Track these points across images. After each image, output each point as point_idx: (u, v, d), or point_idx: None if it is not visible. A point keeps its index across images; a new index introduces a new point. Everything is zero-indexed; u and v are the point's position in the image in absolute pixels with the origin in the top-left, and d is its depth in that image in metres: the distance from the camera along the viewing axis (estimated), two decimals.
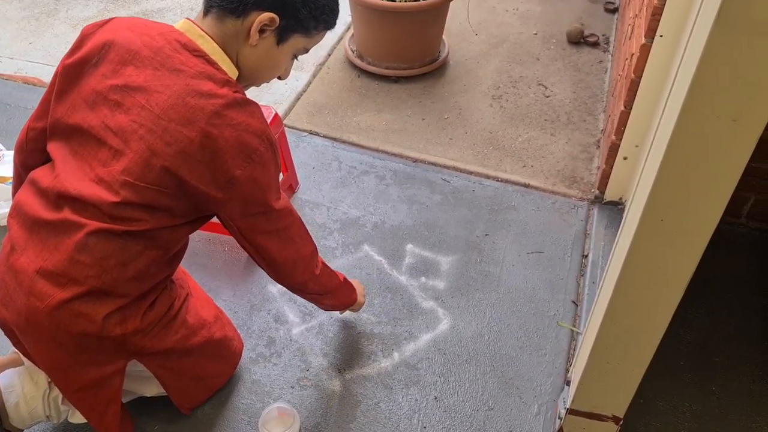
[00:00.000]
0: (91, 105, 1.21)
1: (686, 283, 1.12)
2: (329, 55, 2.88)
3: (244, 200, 1.23)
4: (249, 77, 1.30)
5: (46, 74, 2.75)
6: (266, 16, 1.19)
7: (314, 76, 2.76)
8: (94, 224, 1.18)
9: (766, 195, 2.03)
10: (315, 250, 1.44)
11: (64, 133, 1.25)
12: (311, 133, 2.47)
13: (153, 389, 1.53)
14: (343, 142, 2.44)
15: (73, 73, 1.25)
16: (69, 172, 1.21)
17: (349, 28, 3.01)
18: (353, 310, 1.73)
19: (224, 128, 1.16)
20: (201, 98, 1.16)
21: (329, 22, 1.29)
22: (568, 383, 1.63)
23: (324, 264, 1.49)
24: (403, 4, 2.50)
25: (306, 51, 1.31)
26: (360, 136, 2.46)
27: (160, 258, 1.28)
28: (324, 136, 2.46)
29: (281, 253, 1.34)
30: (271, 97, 2.63)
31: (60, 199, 1.21)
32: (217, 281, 1.94)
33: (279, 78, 1.34)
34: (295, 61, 1.34)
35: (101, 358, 1.30)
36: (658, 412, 1.66)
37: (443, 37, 2.83)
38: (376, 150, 2.40)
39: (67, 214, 1.19)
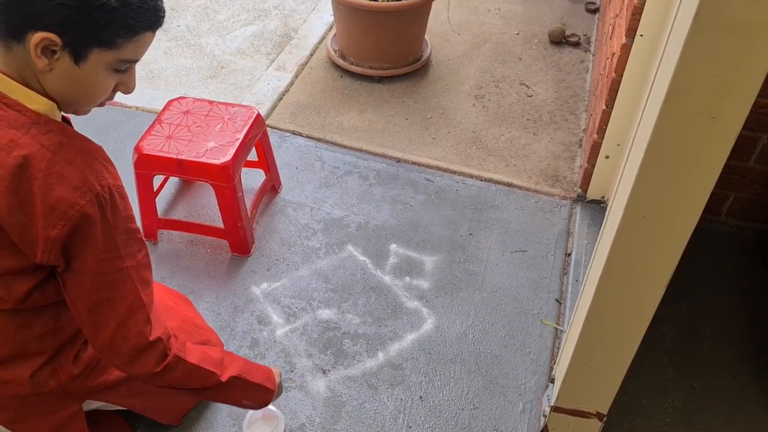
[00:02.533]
0: None
1: (668, 280, 1.13)
2: (311, 55, 2.87)
3: (70, 261, 1.07)
4: (69, 104, 1.07)
5: None
6: (38, 36, 0.95)
7: (296, 76, 2.75)
8: None
9: (745, 193, 2.06)
10: (158, 341, 1.15)
11: None
12: (294, 134, 2.46)
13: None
14: (326, 142, 2.43)
15: None
16: None
17: (331, 28, 3.00)
18: (259, 407, 1.44)
19: (33, 181, 0.99)
20: (1, 152, 0.99)
21: (135, 25, 1.00)
22: (552, 381, 1.64)
23: (182, 360, 1.19)
24: (385, 4, 2.50)
25: (129, 62, 1.05)
26: (343, 136, 2.45)
27: (63, 310, 1.17)
28: (307, 137, 2.45)
29: (105, 325, 1.11)
30: (253, 97, 2.62)
31: None
32: (200, 283, 1.92)
33: (123, 92, 1.11)
34: (126, 72, 1.07)
35: (50, 408, 1.27)
36: (641, 408, 1.67)
37: (425, 37, 2.83)
38: (360, 150, 2.40)
39: None
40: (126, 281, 1.10)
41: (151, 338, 1.14)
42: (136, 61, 1.06)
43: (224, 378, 1.27)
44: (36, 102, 1.03)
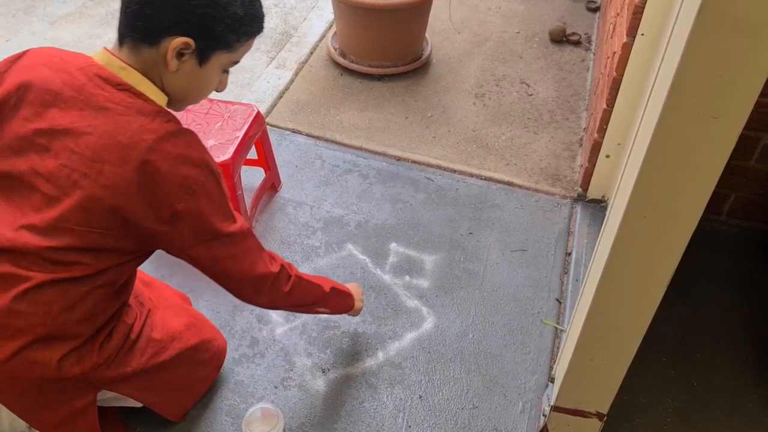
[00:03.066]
0: (17, 150, 1.15)
1: (668, 280, 1.12)
2: (312, 53, 2.87)
3: (192, 231, 1.19)
4: (180, 101, 1.24)
5: None
6: (179, 41, 1.11)
7: (297, 74, 2.75)
8: (35, 275, 1.14)
9: (746, 192, 2.06)
10: (282, 269, 1.37)
11: None
12: (294, 132, 2.46)
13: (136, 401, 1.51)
14: (326, 140, 2.43)
15: None
16: (2, 221, 1.15)
17: (331, 26, 2.99)
18: (351, 315, 1.69)
19: (160, 163, 1.12)
20: (133, 135, 1.11)
21: (251, 31, 1.20)
22: (552, 380, 1.64)
23: (298, 277, 1.42)
24: (386, 2, 2.49)
25: (235, 63, 1.24)
26: (343, 135, 2.45)
27: (107, 295, 1.24)
28: (307, 135, 2.45)
29: (240, 276, 1.29)
30: (253, 95, 2.62)
31: None
32: (199, 282, 1.92)
33: (216, 91, 1.28)
34: (228, 73, 1.27)
35: (68, 396, 1.28)
36: (641, 407, 1.67)
37: (426, 35, 2.83)
38: (360, 148, 2.40)
39: (5, 266, 1.14)
40: (245, 235, 1.28)
41: (278, 267, 1.36)
42: (238, 62, 1.24)
43: (327, 289, 1.51)
44: (156, 95, 1.17)
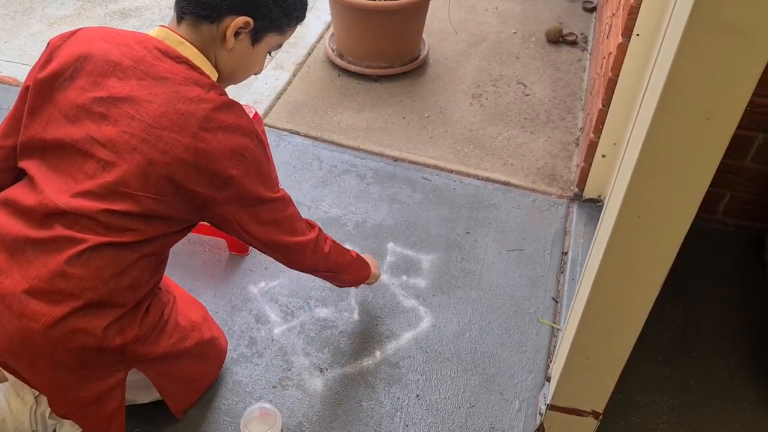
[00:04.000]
0: (71, 119, 1.18)
1: (663, 278, 1.13)
2: (309, 54, 2.88)
3: (243, 197, 1.25)
4: (228, 78, 1.31)
5: (22, 74, 2.71)
6: (241, 20, 1.20)
7: (294, 75, 2.75)
8: (90, 237, 1.16)
9: (741, 192, 2.07)
10: (319, 232, 1.47)
11: (40, 149, 1.21)
12: (291, 132, 2.46)
13: (146, 397, 1.53)
14: (324, 141, 2.43)
15: (46, 87, 1.21)
16: (54, 188, 1.17)
17: (329, 27, 3.00)
18: (368, 284, 1.77)
19: (216, 131, 1.17)
20: (191, 104, 1.17)
21: (300, 16, 1.30)
22: (548, 379, 1.65)
23: (333, 242, 1.52)
24: (383, 3, 2.50)
25: (280, 46, 1.34)
26: (340, 135, 2.46)
27: (151, 266, 1.28)
28: (304, 136, 2.45)
29: (287, 239, 1.36)
30: (251, 96, 2.62)
31: (48, 216, 1.17)
32: (198, 282, 1.93)
33: (255, 74, 1.37)
34: (269, 56, 1.37)
35: (101, 371, 1.28)
36: (637, 406, 1.68)
37: (423, 36, 2.83)
38: (357, 149, 2.40)
39: (58, 230, 1.16)
40: (287, 202, 1.35)
41: (316, 232, 1.45)
42: (281, 46, 1.34)
43: (354, 255, 1.61)
44: (210, 71, 1.25)
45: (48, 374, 1.23)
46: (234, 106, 1.22)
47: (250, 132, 1.22)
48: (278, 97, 2.63)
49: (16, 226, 1.19)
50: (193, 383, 1.59)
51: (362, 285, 1.79)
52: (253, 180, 1.24)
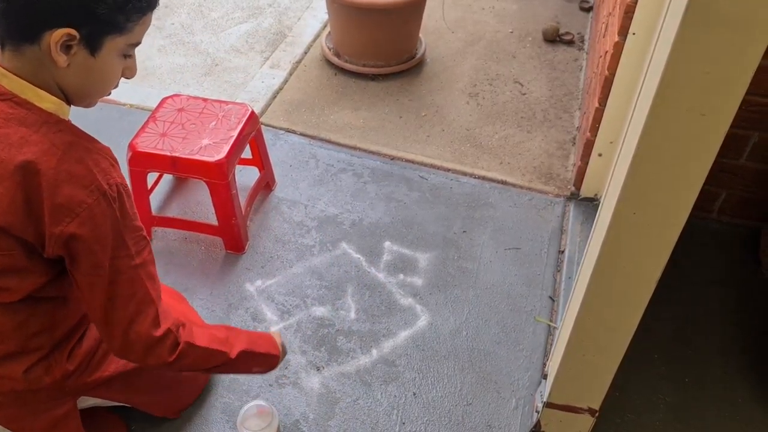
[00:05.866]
0: None
1: (658, 276, 1.13)
2: (306, 52, 2.88)
3: (74, 257, 1.07)
4: (83, 97, 1.10)
5: None
6: (59, 33, 0.97)
7: (291, 74, 2.75)
8: None
9: (736, 190, 2.07)
10: (167, 334, 1.18)
11: None
12: (288, 131, 2.46)
13: None
14: (321, 140, 2.43)
15: None
16: None
17: (325, 25, 3.00)
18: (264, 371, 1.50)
19: (41, 179, 1.00)
20: (11, 149, 1.00)
21: (141, 7, 1.04)
22: (545, 377, 1.65)
23: (189, 345, 1.22)
24: (380, 1, 2.50)
25: (135, 45, 1.09)
26: (337, 134, 2.46)
27: (58, 306, 1.20)
28: (301, 134, 2.45)
29: (114, 321, 1.13)
30: (247, 95, 2.62)
31: None
32: (194, 280, 1.93)
33: (126, 77, 1.13)
34: (132, 57, 1.11)
35: (45, 405, 1.28)
36: (633, 403, 1.68)
37: (420, 34, 2.84)
38: (354, 148, 2.40)
39: None
40: (135, 279, 1.12)
41: (162, 332, 1.16)
42: (139, 43, 1.09)
43: (233, 355, 1.31)
44: (46, 101, 1.04)
45: (0, 413, 1.26)
46: (71, 148, 1.03)
47: (87, 183, 1.02)
48: (275, 96, 2.63)
49: None
50: (175, 390, 1.56)
51: (356, 282, 1.78)
52: (87, 240, 1.05)
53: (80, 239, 1.04)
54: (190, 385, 1.60)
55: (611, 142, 1.99)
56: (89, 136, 1.08)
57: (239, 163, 2.06)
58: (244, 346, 1.34)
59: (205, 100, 2.04)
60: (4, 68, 1.02)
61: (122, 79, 1.13)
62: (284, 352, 1.50)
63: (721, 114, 0.90)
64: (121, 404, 1.50)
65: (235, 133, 1.91)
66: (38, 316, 1.18)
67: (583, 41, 3.00)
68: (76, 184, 1.02)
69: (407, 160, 2.36)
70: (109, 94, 1.13)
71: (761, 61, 0.85)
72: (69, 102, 1.09)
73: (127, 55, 1.09)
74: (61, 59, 1.00)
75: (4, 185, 1.01)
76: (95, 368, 1.31)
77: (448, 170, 2.33)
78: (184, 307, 1.67)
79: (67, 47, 1.00)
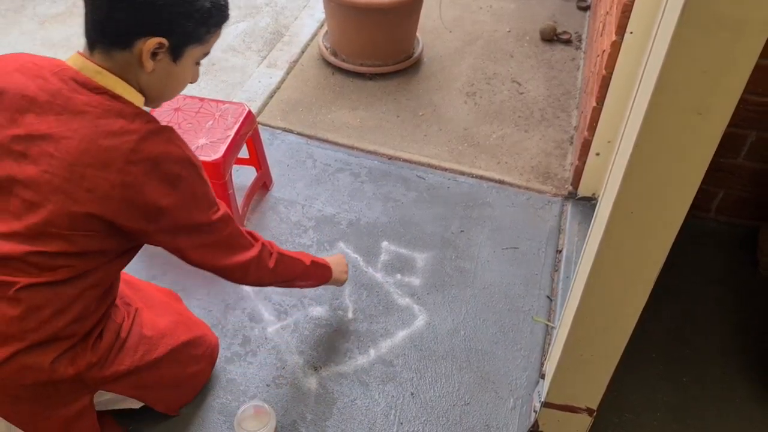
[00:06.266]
0: None
1: (656, 275, 1.13)
2: (303, 52, 2.87)
3: (177, 224, 1.21)
4: (156, 98, 1.25)
5: None
6: (153, 42, 1.11)
7: (288, 73, 2.75)
8: (22, 280, 1.14)
9: (734, 189, 2.07)
10: (263, 247, 1.41)
11: None
12: (285, 131, 2.46)
13: (138, 403, 1.52)
14: (318, 139, 2.43)
15: None
16: None
17: (322, 25, 3.00)
18: (335, 285, 1.74)
19: (143, 163, 1.12)
20: (114, 138, 1.11)
21: (219, 21, 1.20)
22: (543, 377, 1.65)
23: (280, 254, 1.46)
24: (377, 1, 2.50)
25: (207, 54, 1.24)
26: (334, 134, 2.45)
27: (97, 295, 1.25)
28: (298, 134, 2.45)
29: (227, 260, 1.32)
30: (244, 94, 2.61)
31: None
32: (191, 280, 1.92)
33: (191, 82, 1.28)
34: (200, 65, 1.27)
35: (64, 399, 1.28)
36: (630, 403, 1.68)
37: (417, 34, 2.83)
38: (351, 147, 2.40)
39: None
40: (224, 225, 1.29)
41: (258, 248, 1.39)
42: (209, 53, 1.24)
43: (308, 262, 1.55)
44: (134, 97, 1.17)
45: (10, 409, 1.25)
46: (162, 132, 1.16)
47: (180, 158, 1.17)
48: (272, 96, 2.63)
49: None
50: (183, 385, 1.58)
51: (353, 282, 1.78)
52: (187, 207, 1.20)
53: (181, 206, 1.18)
54: (191, 383, 1.61)
55: (609, 142, 1.99)
56: (167, 125, 1.21)
57: (236, 163, 2.05)
58: (311, 257, 1.58)
59: (201, 99, 2.03)
60: (98, 65, 1.14)
61: None
62: (343, 274, 1.72)
63: (718, 113, 0.90)
64: (126, 407, 1.51)
65: (232, 133, 1.90)
66: (78, 303, 1.21)
67: (580, 40, 3.00)
68: (173, 160, 1.15)
69: (405, 160, 2.36)
70: (174, 97, 1.30)
71: (759, 60, 0.85)
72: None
73: (198, 63, 1.24)
74: (149, 65, 1.14)
75: (108, 171, 1.10)
76: (113, 362, 1.33)
77: (446, 170, 2.32)
78: (180, 306, 1.67)
79: (154, 54, 1.13)
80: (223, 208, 1.29)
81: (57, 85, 1.13)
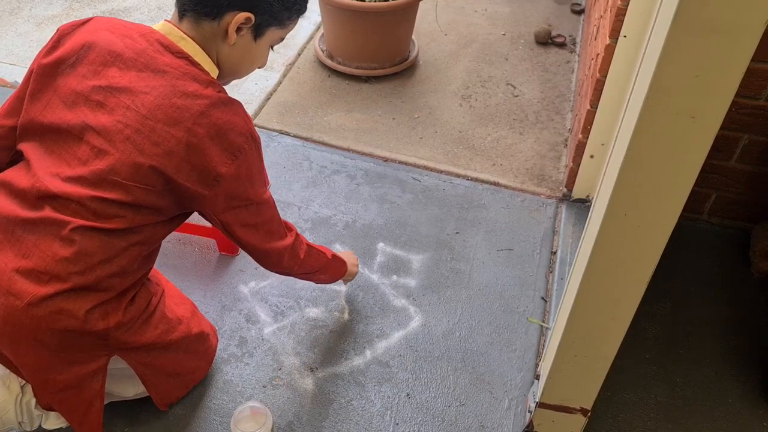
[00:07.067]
0: (69, 105, 1.21)
1: (649, 276, 1.14)
2: (299, 54, 2.88)
3: (230, 195, 1.26)
4: (230, 73, 1.33)
5: (9, 74, 2.69)
6: (242, 15, 1.21)
7: (284, 75, 2.76)
8: (78, 221, 1.18)
9: (726, 192, 2.09)
10: (296, 237, 1.48)
11: (38, 132, 1.24)
12: (281, 133, 2.47)
13: (132, 390, 1.53)
14: (314, 141, 2.44)
15: (48, 72, 1.25)
16: (47, 172, 1.20)
17: (318, 27, 3.01)
18: (345, 281, 1.82)
19: (210, 127, 1.18)
20: (187, 98, 1.18)
21: (301, 9, 1.31)
22: (537, 377, 1.66)
23: (308, 246, 1.54)
24: (373, 4, 2.51)
25: (282, 40, 1.35)
26: (330, 136, 2.46)
27: (141, 254, 1.29)
28: (294, 136, 2.46)
29: (266, 244, 1.39)
30: (241, 96, 2.62)
31: (40, 198, 1.20)
32: (188, 282, 1.93)
33: (259, 67, 1.38)
34: (272, 50, 1.38)
35: (83, 355, 1.29)
36: (624, 403, 1.70)
37: (413, 37, 2.85)
38: (347, 149, 2.41)
39: (48, 212, 1.18)
40: (271, 204, 1.37)
41: (293, 238, 1.46)
42: (283, 39, 1.35)
43: (329, 256, 1.62)
44: (210, 67, 1.26)
45: (30, 354, 1.24)
46: (231, 104, 1.23)
47: (244, 131, 1.23)
48: (268, 98, 2.63)
49: (9, 206, 1.22)
50: (179, 377, 1.58)
51: (349, 283, 1.80)
52: (243, 180, 1.25)
53: (237, 178, 1.23)
54: (189, 377, 1.62)
55: (603, 144, 2.01)
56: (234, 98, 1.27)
57: None
58: (332, 252, 1.64)
59: None
60: (183, 33, 1.23)
61: None
62: (354, 263, 1.79)
63: (710, 117, 0.92)
64: (116, 400, 1.51)
65: None
66: (126, 256, 1.24)
67: (574, 44, 3.02)
68: (237, 132, 1.21)
69: (400, 162, 2.37)
70: (246, 75, 1.37)
71: (751, 64, 0.86)
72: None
73: (272, 48, 1.34)
74: (233, 37, 1.23)
75: (177, 128, 1.17)
76: (136, 331, 1.34)
77: (441, 172, 2.34)
78: (193, 305, 1.68)
79: (239, 29, 1.23)
80: (269, 193, 1.35)
81: (143, 44, 1.22)
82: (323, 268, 1.61)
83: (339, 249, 2.04)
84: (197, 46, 1.24)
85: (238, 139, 1.22)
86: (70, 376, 1.29)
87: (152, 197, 1.21)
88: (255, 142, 1.26)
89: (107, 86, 1.19)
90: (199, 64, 1.23)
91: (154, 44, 1.22)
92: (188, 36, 1.23)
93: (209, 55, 1.26)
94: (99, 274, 1.21)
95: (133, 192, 1.19)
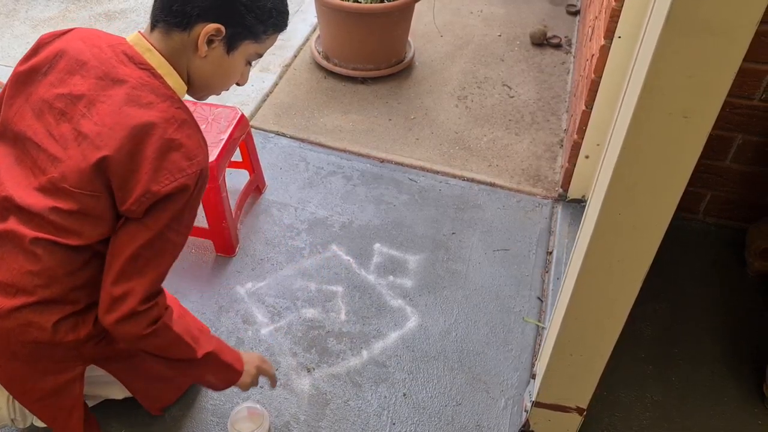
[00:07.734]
0: (37, 113, 1.20)
1: (644, 275, 1.15)
2: (296, 56, 2.89)
3: (143, 211, 1.15)
4: (202, 87, 1.28)
5: (5, 76, 2.69)
6: (212, 27, 1.17)
7: (281, 77, 2.76)
8: (37, 234, 1.16)
9: (721, 192, 2.10)
10: (153, 307, 1.22)
11: (11, 139, 1.23)
12: (278, 134, 2.47)
13: (120, 393, 1.52)
14: (310, 142, 2.44)
15: (23, 79, 1.25)
16: (14, 181, 1.19)
17: (315, 29, 3.01)
18: (240, 387, 1.48)
19: (156, 141, 1.13)
20: (139, 108, 1.15)
21: (278, 24, 1.24)
22: (533, 377, 1.67)
23: (166, 326, 1.25)
24: (369, 5, 2.52)
25: (259, 56, 1.28)
26: (327, 137, 2.47)
27: (102, 267, 1.25)
28: (291, 137, 2.46)
29: (130, 278, 1.18)
30: (237, 98, 2.62)
31: (6, 210, 1.19)
32: (184, 283, 1.93)
33: (237, 84, 1.31)
34: (250, 66, 1.31)
35: (57, 366, 1.29)
36: (620, 402, 1.70)
37: (409, 38, 2.85)
38: (344, 150, 2.41)
39: (12, 224, 1.17)
40: (167, 252, 1.22)
41: (152, 303, 1.22)
42: (261, 56, 1.28)
43: (199, 354, 1.33)
44: (174, 81, 1.21)
45: (3, 365, 1.25)
46: (186, 124, 1.17)
47: (191, 156, 1.16)
48: (264, 99, 2.64)
49: None
50: (167, 381, 1.57)
51: (346, 284, 1.79)
52: (168, 207, 1.16)
53: (165, 199, 1.15)
54: (173, 383, 1.61)
55: (598, 145, 2.01)
56: (196, 121, 1.23)
57: (229, 166, 2.06)
58: (211, 349, 1.36)
59: (194, 103, 2.03)
60: (151, 44, 1.20)
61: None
62: (254, 378, 1.48)
63: (703, 116, 0.92)
64: (110, 398, 1.51)
65: (225, 137, 1.91)
66: (89, 269, 1.22)
67: (570, 44, 3.03)
68: (183, 154, 1.15)
69: (397, 163, 2.37)
70: (219, 94, 1.32)
71: (744, 64, 0.87)
72: (188, 89, 1.26)
73: (248, 63, 1.28)
74: (203, 49, 1.19)
75: (122, 133, 1.13)
76: (111, 341, 1.33)
77: (437, 172, 2.34)
78: (183, 309, 1.67)
79: (210, 41, 1.18)
80: (183, 239, 1.23)
81: (108, 54, 1.20)
82: (181, 362, 1.33)
83: (335, 249, 2.05)
84: (162, 59, 1.20)
85: (182, 163, 1.14)
86: (46, 386, 1.29)
87: (100, 205, 1.16)
88: (200, 172, 1.17)
89: (68, 94, 1.18)
90: (162, 77, 1.19)
91: (120, 55, 1.19)
92: (156, 48, 1.20)
93: (178, 68, 1.21)
94: (64, 287, 1.20)
95: (81, 200, 1.16)
